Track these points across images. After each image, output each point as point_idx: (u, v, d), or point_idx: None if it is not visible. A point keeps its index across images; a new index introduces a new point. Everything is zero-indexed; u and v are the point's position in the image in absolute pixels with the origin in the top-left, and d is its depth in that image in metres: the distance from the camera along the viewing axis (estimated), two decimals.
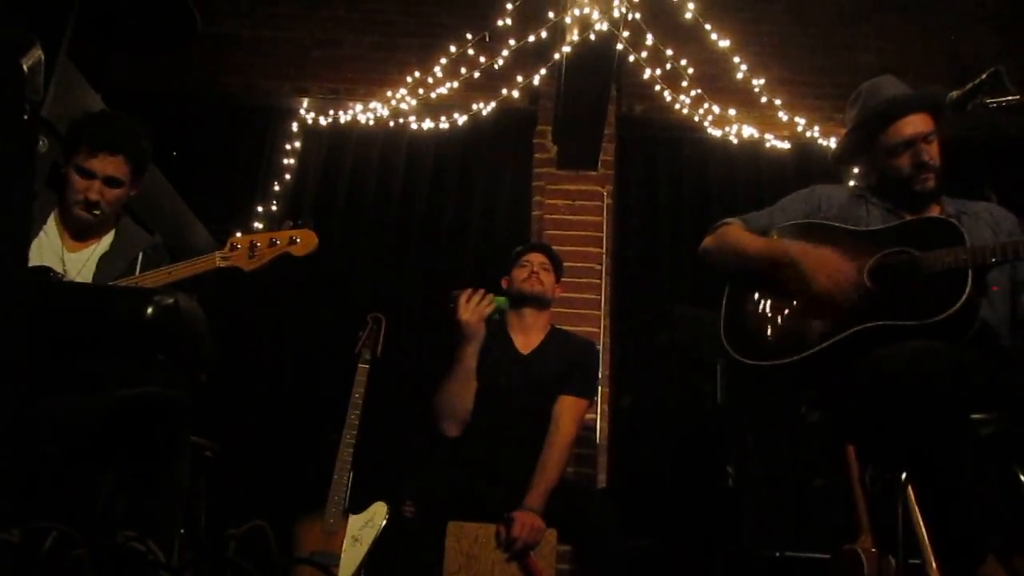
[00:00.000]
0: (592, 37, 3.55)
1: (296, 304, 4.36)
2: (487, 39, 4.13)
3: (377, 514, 3.16)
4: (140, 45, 3.34)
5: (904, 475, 1.92)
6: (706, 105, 4.39)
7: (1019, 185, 3.54)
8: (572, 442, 2.95)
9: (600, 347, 4.16)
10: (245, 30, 4.94)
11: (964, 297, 1.94)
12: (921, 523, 1.88)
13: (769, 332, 2.25)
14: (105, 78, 3.29)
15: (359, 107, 4.52)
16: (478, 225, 4.51)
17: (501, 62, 4.19)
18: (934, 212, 2.29)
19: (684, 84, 4.31)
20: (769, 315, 2.27)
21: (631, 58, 4.08)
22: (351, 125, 4.57)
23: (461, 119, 4.47)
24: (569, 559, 3.22)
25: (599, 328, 4.22)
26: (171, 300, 1.49)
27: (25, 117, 1.13)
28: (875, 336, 2.00)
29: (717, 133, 4.50)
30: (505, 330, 3.14)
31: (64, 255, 2.31)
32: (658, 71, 4.18)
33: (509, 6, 4.02)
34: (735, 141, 4.51)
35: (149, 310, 1.46)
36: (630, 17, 3.76)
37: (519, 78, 4.25)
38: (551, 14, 3.98)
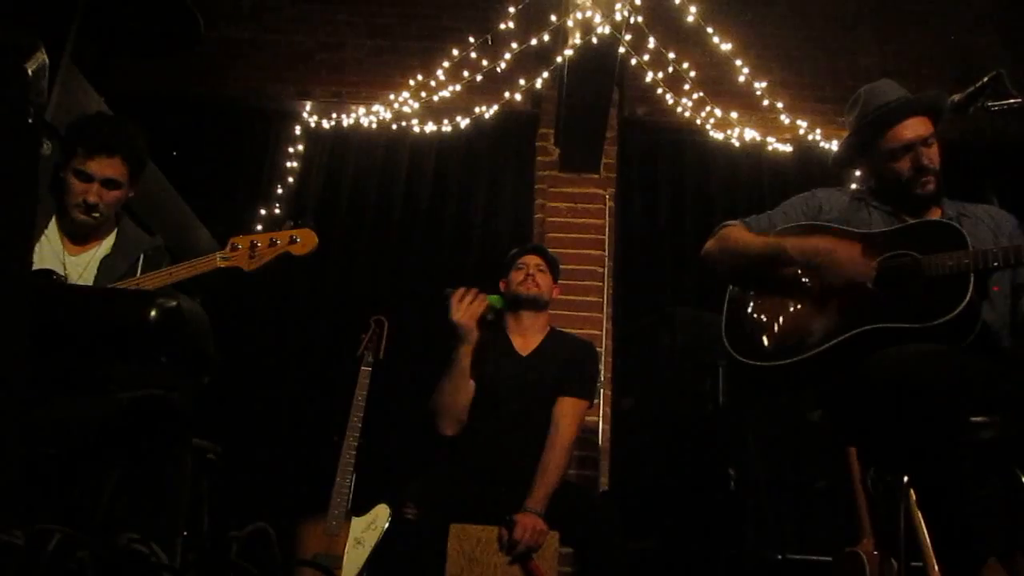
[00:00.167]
0: (594, 40, 3.55)
1: (299, 307, 4.37)
2: (489, 42, 4.13)
3: (379, 516, 3.17)
4: (143, 49, 3.35)
5: (906, 478, 1.92)
6: (708, 108, 4.39)
7: (1020, 188, 3.55)
8: (572, 443, 2.96)
9: (602, 349, 4.17)
10: (248, 34, 4.95)
11: (966, 300, 1.94)
12: (923, 525, 1.88)
13: (770, 333, 2.25)
14: (108, 82, 3.31)
15: (361, 110, 4.53)
16: (480, 228, 4.52)
17: (503, 65, 4.19)
18: (935, 215, 2.29)
19: (686, 87, 4.31)
20: (771, 316, 2.27)
21: (633, 61, 4.09)
22: (353, 128, 4.58)
23: (463, 122, 4.48)
24: (571, 561, 3.22)
25: (601, 331, 4.23)
26: (174, 303, 1.49)
27: (29, 120, 1.14)
28: (877, 338, 2.00)
29: (719, 136, 4.51)
30: (504, 332, 3.14)
31: (65, 259, 2.31)
32: (660, 74, 4.18)
33: (511, 9, 4.02)
34: (737, 144, 4.52)
35: (152, 312, 1.46)
36: (632, 20, 3.76)
37: (521, 81, 4.25)
38: (553, 17, 3.98)
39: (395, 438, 3.86)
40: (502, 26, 4.05)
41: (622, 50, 3.79)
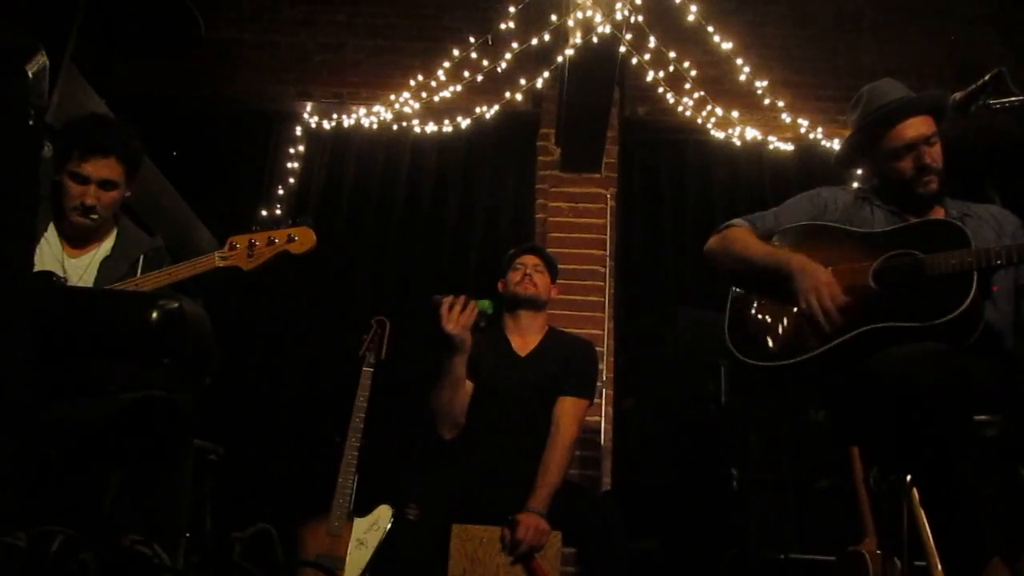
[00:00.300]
0: (595, 40, 3.55)
1: (301, 308, 4.38)
2: (490, 42, 4.13)
3: (382, 517, 3.17)
4: (144, 51, 3.35)
5: (909, 476, 1.92)
6: (709, 107, 4.39)
7: (1022, 186, 3.54)
8: (574, 443, 2.95)
9: (604, 349, 4.17)
10: (248, 35, 4.95)
11: (969, 299, 1.94)
12: (926, 525, 1.88)
13: (773, 333, 2.25)
14: (109, 83, 3.31)
15: (362, 111, 4.53)
16: (482, 228, 4.51)
17: (504, 65, 4.19)
18: (938, 214, 2.29)
19: (687, 86, 4.31)
20: (774, 316, 2.27)
21: (634, 61, 4.08)
22: (354, 129, 4.58)
23: (464, 122, 4.48)
24: (573, 561, 3.22)
25: (603, 330, 4.23)
26: (175, 304, 1.49)
27: (30, 122, 1.14)
28: (880, 338, 1.99)
29: (720, 135, 4.51)
30: (503, 333, 3.14)
31: (65, 261, 2.30)
32: (661, 73, 4.18)
33: (512, 9, 4.02)
34: (738, 143, 4.51)
35: (154, 314, 1.46)
36: (633, 20, 3.76)
37: (522, 81, 4.26)
38: (554, 17, 3.98)
39: (397, 439, 3.86)
40: (502, 26, 4.05)
41: (623, 49, 3.79)
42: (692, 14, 3.90)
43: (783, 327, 2.24)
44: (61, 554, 1.27)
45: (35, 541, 1.24)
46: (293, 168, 4.61)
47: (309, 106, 4.70)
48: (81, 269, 2.32)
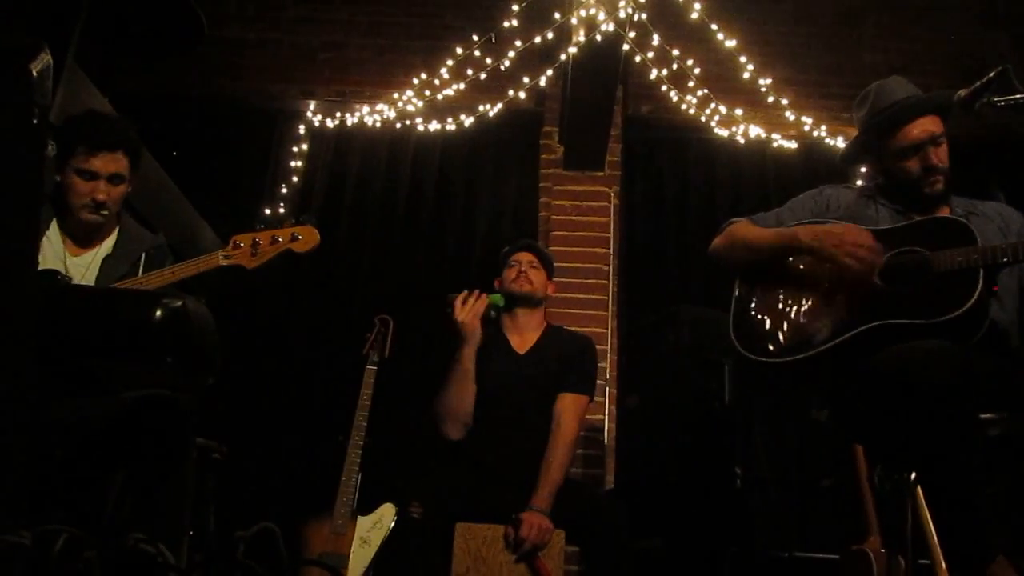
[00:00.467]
0: (598, 38, 3.55)
1: (304, 306, 4.38)
2: (493, 41, 4.13)
3: (385, 515, 3.16)
4: (147, 49, 3.36)
5: (913, 475, 1.91)
6: (712, 105, 4.38)
7: None
8: (575, 440, 2.95)
9: (608, 347, 4.16)
10: (251, 34, 4.95)
11: (975, 297, 1.93)
12: (930, 523, 1.87)
13: (778, 329, 2.24)
14: (112, 82, 3.31)
15: (365, 109, 4.53)
16: (485, 226, 4.51)
17: (507, 63, 4.18)
18: (944, 213, 2.28)
19: (690, 84, 4.30)
20: (778, 312, 2.27)
21: (637, 58, 4.07)
22: (357, 127, 4.58)
23: (467, 120, 4.47)
24: (577, 560, 3.22)
25: (606, 328, 4.22)
26: (179, 303, 1.49)
27: (34, 121, 1.13)
28: (884, 335, 1.99)
29: (724, 133, 4.50)
30: (501, 331, 3.14)
31: (67, 260, 2.30)
32: (664, 71, 4.17)
33: (515, 7, 4.02)
34: (742, 141, 4.50)
35: (158, 312, 1.46)
36: (636, 18, 3.76)
37: (525, 79, 4.25)
38: (557, 15, 3.98)
39: (400, 437, 3.85)
40: (506, 24, 4.05)
41: (626, 47, 3.78)
42: (695, 12, 3.89)
43: (788, 322, 2.23)
44: (65, 553, 1.28)
45: (39, 540, 1.24)
46: (296, 167, 4.61)
47: (312, 104, 4.70)
48: (83, 267, 2.31)
